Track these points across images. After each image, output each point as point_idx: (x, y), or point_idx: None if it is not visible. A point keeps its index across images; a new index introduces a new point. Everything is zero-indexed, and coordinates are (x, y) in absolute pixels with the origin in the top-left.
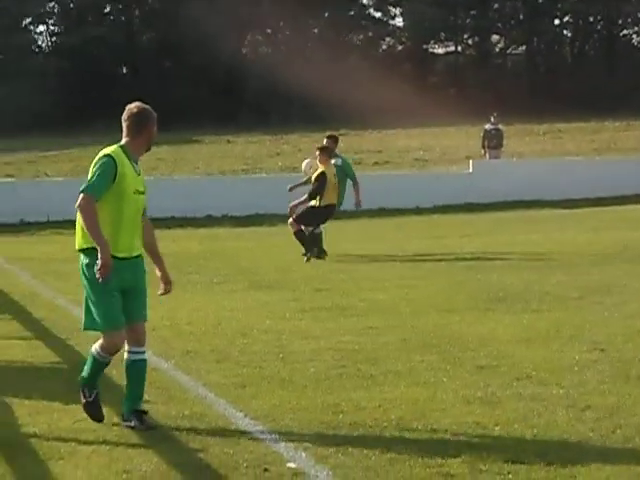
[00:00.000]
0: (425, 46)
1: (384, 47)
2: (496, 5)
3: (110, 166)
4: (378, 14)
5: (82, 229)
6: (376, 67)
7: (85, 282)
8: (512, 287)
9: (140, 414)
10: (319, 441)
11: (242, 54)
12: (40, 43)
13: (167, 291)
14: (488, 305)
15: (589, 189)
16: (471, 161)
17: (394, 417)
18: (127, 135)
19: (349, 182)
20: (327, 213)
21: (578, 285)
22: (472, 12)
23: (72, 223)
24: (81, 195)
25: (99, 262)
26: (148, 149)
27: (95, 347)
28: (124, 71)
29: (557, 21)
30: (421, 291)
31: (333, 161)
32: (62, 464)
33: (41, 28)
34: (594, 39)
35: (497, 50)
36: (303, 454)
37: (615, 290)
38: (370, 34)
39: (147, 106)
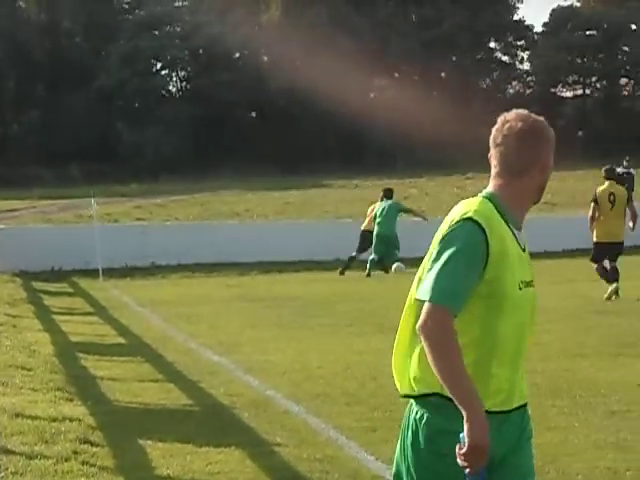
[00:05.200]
0: (553, 90)
1: (511, 91)
2: (625, 48)
3: (476, 244)
4: (505, 58)
5: (419, 361)
6: (503, 111)
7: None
8: None
9: None
10: None
11: (369, 98)
12: (171, 88)
13: None
14: (619, 350)
15: None
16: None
17: None
18: (500, 174)
19: None
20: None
21: None
22: (600, 55)
23: (202, 267)
24: (427, 307)
25: (466, 441)
26: (538, 200)
27: None
28: (253, 116)
29: None
30: (551, 336)
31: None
32: None
33: (172, 73)
34: None
35: (625, 93)
36: None
37: None
38: (497, 78)
39: (540, 119)
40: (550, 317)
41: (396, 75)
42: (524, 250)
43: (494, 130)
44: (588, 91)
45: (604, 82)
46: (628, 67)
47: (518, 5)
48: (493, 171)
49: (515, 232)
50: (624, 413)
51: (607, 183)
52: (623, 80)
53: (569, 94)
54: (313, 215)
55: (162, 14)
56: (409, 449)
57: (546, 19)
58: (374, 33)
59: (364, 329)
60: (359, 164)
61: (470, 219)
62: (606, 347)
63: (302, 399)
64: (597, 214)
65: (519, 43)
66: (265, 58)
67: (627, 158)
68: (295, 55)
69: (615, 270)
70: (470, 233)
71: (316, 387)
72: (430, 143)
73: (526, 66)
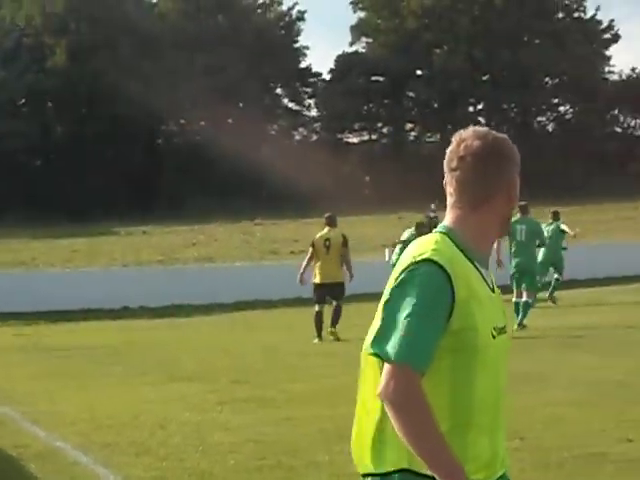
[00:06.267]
0: (339, 135)
1: (298, 137)
2: (410, 93)
3: (438, 289)
4: (292, 105)
5: (379, 432)
6: (291, 157)
7: None
8: None
9: None
10: None
11: (156, 144)
12: None
13: None
14: None
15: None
16: (387, 249)
17: None
18: (458, 204)
19: None
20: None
21: None
22: (386, 101)
23: None
24: (387, 368)
25: None
26: (504, 233)
27: None
28: (38, 163)
29: (471, 108)
30: (339, 380)
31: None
32: None
33: None
34: (509, 126)
35: (412, 138)
36: None
37: (535, 377)
38: (284, 124)
39: (502, 136)
40: (339, 361)
41: (183, 121)
42: (493, 291)
43: (448, 152)
44: (375, 136)
45: (390, 127)
46: (414, 112)
47: (305, 52)
48: (449, 200)
49: (482, 271)
50: None
51: (326, 229)
52: (409, 125)
53: (356, 140)
54: (101, 263)
55: None
56: None
57: (332, 65)
58: (161, 79)
59: (153, 378)
60: (148, 210)
61: (429, 260)
62: None
63: (91, 449)
64: (315, 258)
65: (306, 89)
66: (50, 104)
67: (436, 202)
68: (81, 101)
69: (337, 310)
70: (430, 277)
71: (105, 437)
72: (219, 189)
73: (313, 112)
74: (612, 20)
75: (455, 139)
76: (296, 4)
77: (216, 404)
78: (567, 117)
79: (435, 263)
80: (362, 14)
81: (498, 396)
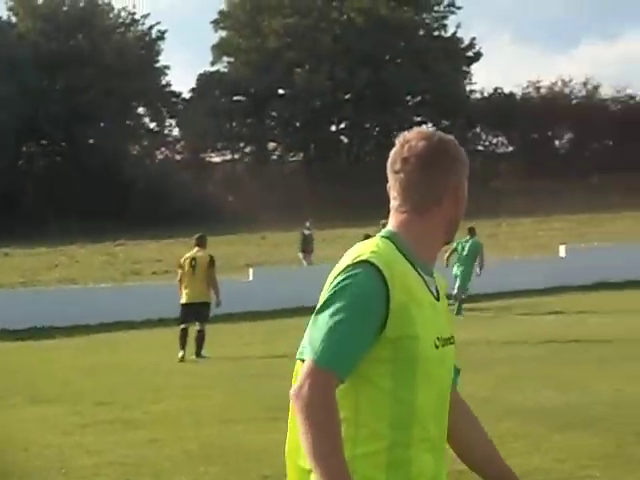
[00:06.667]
0: (202, 155)
1: (161, 157)
2: (273, 113)
3: (373, 292)
4: (153, 125)
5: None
6: (153, 177)
7: None
8: None
9: None
10: None
11: (18, 165)
12: None
13: None
14: (272, 414)
15: None
16: (251, 269)
17: None
18: (402, 208)
19: None
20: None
21: None
22: (248, 120)
23: None
24: (305, 369)
25: None
26: (451, 238)
27: None
28: None
29: (334, 127)
30: (204, 401)
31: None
32: None
33: None
34: (371, 145)
35: (275, 157)
36: None
37: None
38: (146, 144)
39: (448, 137)
40: (204, 382)
41: (44, 142)
42: (438, 300)
43: (392, 153)
44: (237, 156)
45: (253, 147)
46: (276, 131)
47: (166, 71)
48: (393, 204)
49: (425, 278)
50: (278, 477)
51: (195, 249)
52: (272, 144)
53: (218, 159)
54: None
55: None
56: None
57: (194, 85)
58: (21, 100)
59: (15, 400)
60: (9, 232)
61: (366, 262)
62: (259, 411)
63: None
64: (182, 278)
65: (167, 109)
66: None
67: (310, 220)
68: None
69: (200, 337)
70: (365, 279)
71: None
72: (81, 210)
73: (175, 132)
74: (473, 38)
75: (399, 140)
76: (158, 23)
77: (79, 426)
78: None
79: (372, 265)
80: (223, 33)
81: (442, 412)
